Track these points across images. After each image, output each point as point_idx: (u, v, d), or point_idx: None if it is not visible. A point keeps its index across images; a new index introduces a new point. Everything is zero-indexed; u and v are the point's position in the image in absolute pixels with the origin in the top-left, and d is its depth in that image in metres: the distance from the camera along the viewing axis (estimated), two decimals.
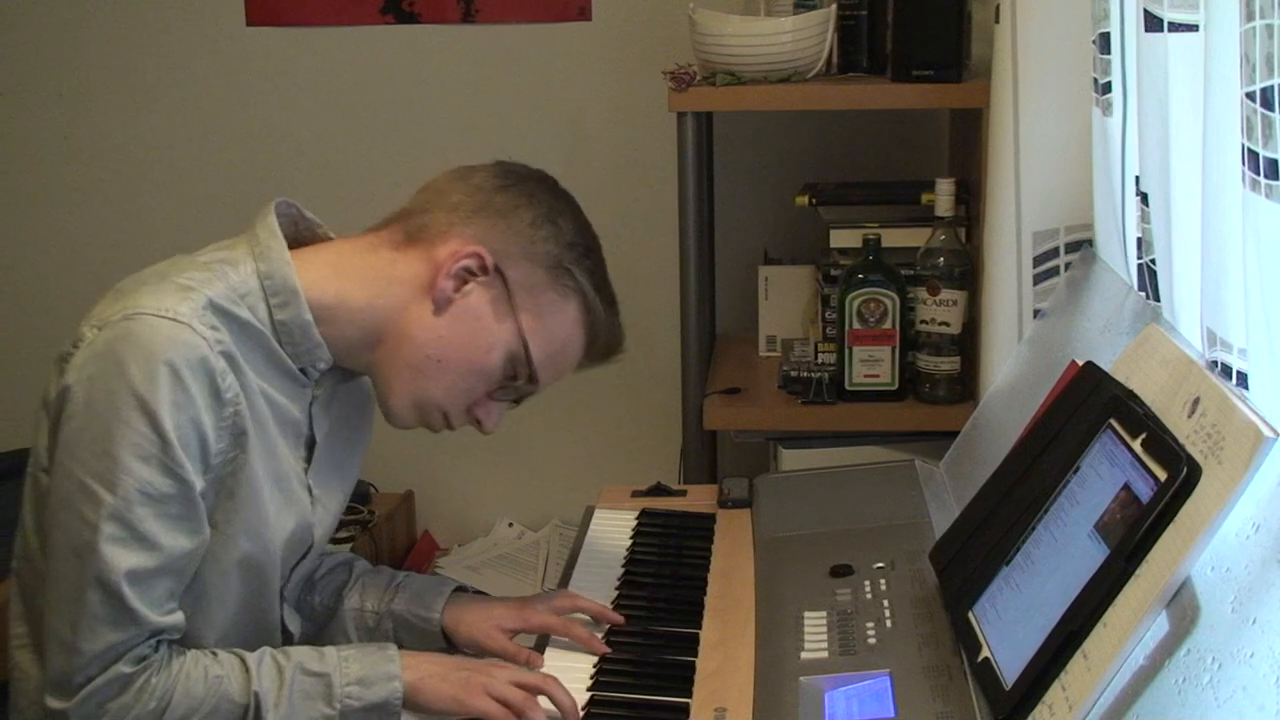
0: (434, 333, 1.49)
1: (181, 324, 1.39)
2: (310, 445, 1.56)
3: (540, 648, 1.62)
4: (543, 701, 1.48)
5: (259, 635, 1.55)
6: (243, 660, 1.45)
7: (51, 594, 1.40)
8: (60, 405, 1.40)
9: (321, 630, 1.70)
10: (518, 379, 1.53)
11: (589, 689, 1.52)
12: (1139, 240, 1.64)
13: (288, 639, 1.61)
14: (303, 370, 1.51)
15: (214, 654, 1.46)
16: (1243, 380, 1.30)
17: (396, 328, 1.50)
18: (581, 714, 1.48)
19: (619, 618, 1.65)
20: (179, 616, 1.42)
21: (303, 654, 1.48)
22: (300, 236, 1.56)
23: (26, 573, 1.48)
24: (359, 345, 1.52)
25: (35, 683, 1.45)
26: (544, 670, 1.55)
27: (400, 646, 1.65)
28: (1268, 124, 1.13)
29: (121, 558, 1.36)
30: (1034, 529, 1.35)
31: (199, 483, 1.40)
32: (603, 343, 1.57)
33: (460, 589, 1.71)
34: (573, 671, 1.55)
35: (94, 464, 1.37)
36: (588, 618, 1.65)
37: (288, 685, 1.44)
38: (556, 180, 1.59)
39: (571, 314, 1.53)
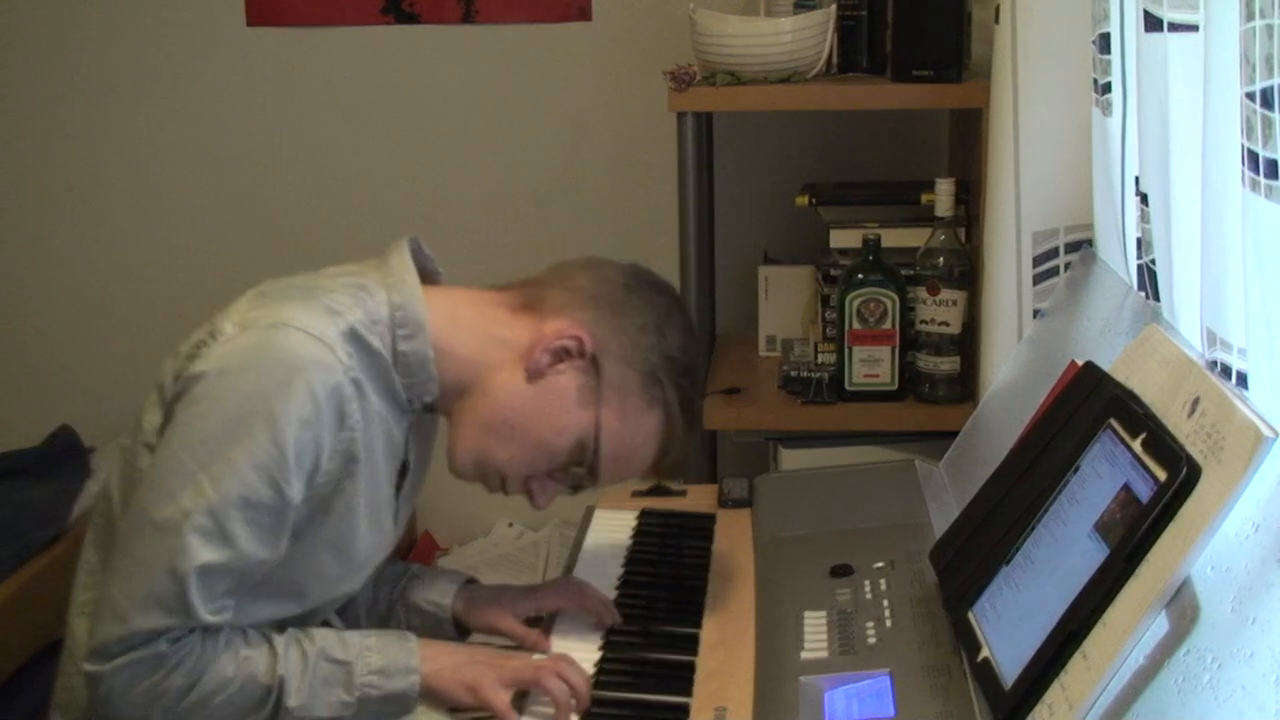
0: (517, 399, 1.52)
1: (326, 346, 1.42)
2: (402, 471, 1.58)
3: (546, 631, 1.64)
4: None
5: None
6: (270, 643, 1.47)
7: (121, 563, 1.42)
8: (186, 389, 1.42)
9: None
10: (581, 466, 1.54)
11: (589, 688, 1.52)
12: (1139, 240, 1.64)
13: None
14: (409, 400, 1.53)
15: (244, 633, 1.47)
16: (1242, 380, 1.30)
17: (485, 384, 1.52)
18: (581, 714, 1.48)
19: (617, 616, 1.65)
20: (227, 617, 1.44)
21: (326, 639, 1.50)
22: (421, 272, 1.58)
23: (107, 542, 1.50)
24: (449, 391, 1.54)
25: (85, 651, 1.47)
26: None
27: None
28: (1268, 124, 1.13)
29: (201, 551, 1.38)
30: (1034, 529, 1.35)
31: (299, 498, 1.42)
32: (670, 460, 1.59)
33: (471, 581, 1.73)
34: None
35: (206, 456, 1.39)
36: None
37: (310, 670, 1.47)
38: (680, 297, 1.60)
39: (651, 424, 1.54)
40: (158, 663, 1.41)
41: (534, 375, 1.51)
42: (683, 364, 1.55)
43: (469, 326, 1.54)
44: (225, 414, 1.39)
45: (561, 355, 1.51)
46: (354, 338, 1.46)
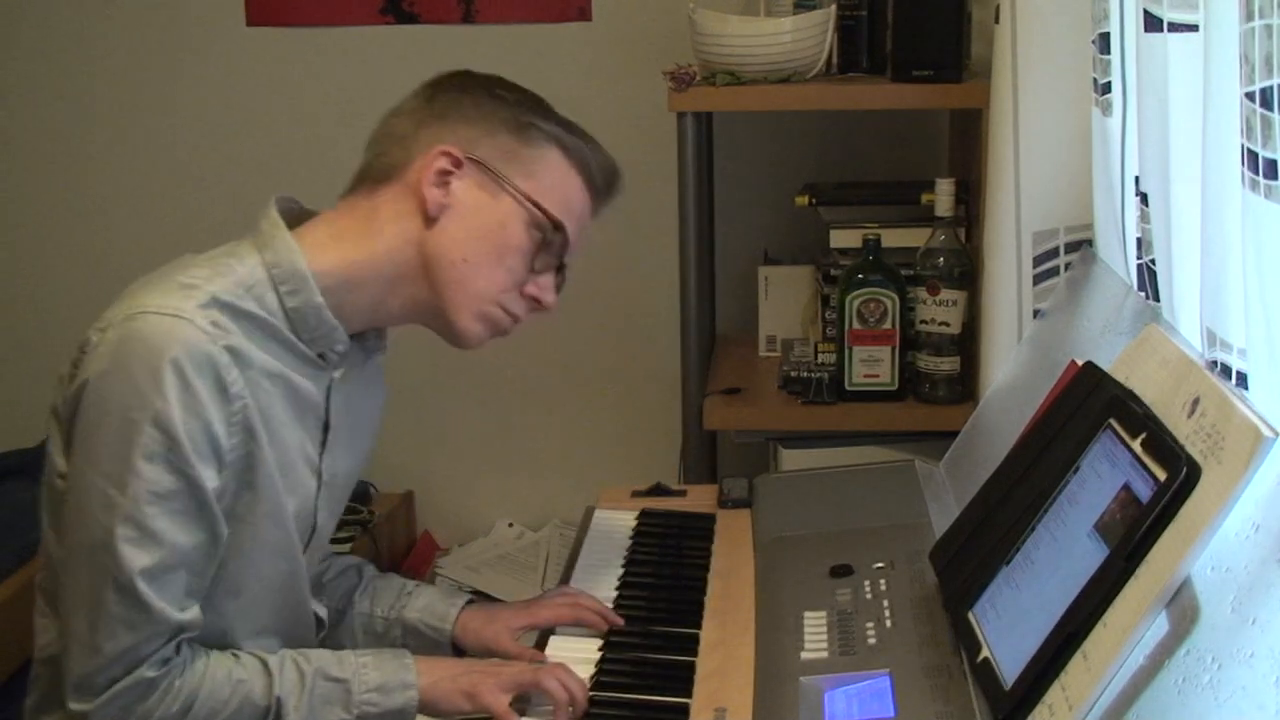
0: (448, 240, 1.51)
1: (183, 320, 1.39)
2: (326, 429, 1.56)
3: (543, 643, 1.63)
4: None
5: (295, 624, 1.57)
6: (264, 663, 1.46)
7: (70, 596, 1.41)
8: (72, 410, 1.41)
9: (330, 632, 1.71)
10: (547, 239, 1.54)
11: (589, 689, 1.52)
12: (1139, 240, 1.64)
13: (320, 626, 1.63)
14: (321, 355, 1.52)
15: (236, 655, 1.47)
16: (1242, 380, 1.30)
17: (413, 260, 1.51)
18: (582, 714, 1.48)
19: (618, 619, 1.65)
20: (196, 612, 1.43)
21: (323, 658, 1.49)
22: (296, 218, 1.56)
23: (50, 582, 1.48)
24: (390, 295, 1.53)
25: (67, 691, 1.43)
26: (546, 653, 1.58)
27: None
28: (1267, 124, 1.13)
29: (136, 557, 1.37)
30: (1034, 529, 1.35)
31: (214, 480, 1.41)
32: (599, 171, 1.59)
33: (470, 601, 1.72)
34: (574, 670, 1.56)
35: (106, 466, 1.37)
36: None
37: (308, 690, 1.46)
38: (472, 69, 1.61)
39: (555, 159, 1.55)
40: (146, 690, 1.39)
41: (440, 212, 1.50)
42: (530, 100, 1.58)
43: (353, 235, 1.52)
44: (111, 421, 1.38)
45: (445, 178, 1.50)
46: (221, 305, 1.43)
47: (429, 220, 1.51)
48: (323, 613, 1.64)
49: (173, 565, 1.39)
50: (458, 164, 1.51)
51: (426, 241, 1.51)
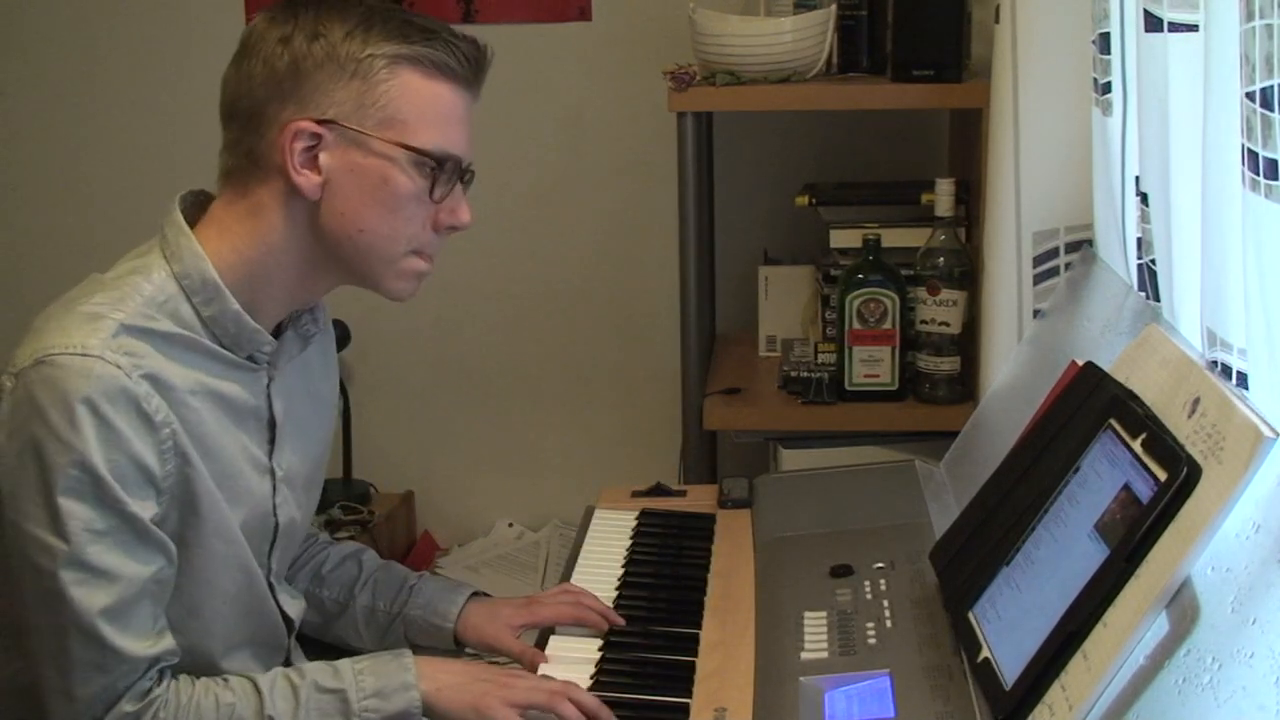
0: (338, 216, 1.44)
1: (92, 358, 1.34)
2: (273, 427, 1.53)
3: (543, 642, 1.63)
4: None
5: (260, 629, 1.55)
6: (255, 685, 1.43)
7: (35, 646, 1.37)
8: (3, 465, 1.36)
9: (331, 624, 1.70)
10: (437, 169, 1.46)
11: (589, 689, 1.52)
12: (1139, 240, 1.64)
13: (289, 626, 1.61)
14: (250, 357, 1.48)
15: (225, 680, 1.44)
16: (1243, 380, 1.29)
17: (313, 244, 1.46)
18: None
19: (619, 619, 1.65)
20: (169, 640, 1.40)
21: (316, 671, 1.46)
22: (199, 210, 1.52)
23: (2, 616, 1.43)
24: (303, 280, 1.48)
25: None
26: (547, 672, 1.55)
27: (412, 647, 1.66)
28: (1267, 124, 1.13)
29: (92, 598, 1.34)
30: (1034, 529, 1.35)
31: (151, 510, 1.37)
32: (459, 61, 1.46)
33: (475, 594, 1.71)
34: (573, 672, 1.55)
35: (37, 514, 1.33)
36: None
37: (304, 706, 1.42)
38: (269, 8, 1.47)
39: (407, 80, 1.42)
40: None
41: (318, 191, 1.42)
42: (353, 23, 1.42)
43: (252, 236, 1.45)
44: (30, 468, 1.34)
45: (310, 154, 1.42)
46: (128, 331, 1.38)
47: (312, 202, 1.44)
48: (294, 611, 1.61)
49: (133, 598, 1.36)
50: (315, 136, 1.41)
51: (317, 222, 1.44)
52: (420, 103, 1.44)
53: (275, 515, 1.54)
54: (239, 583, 1.50)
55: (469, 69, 1.47)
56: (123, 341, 1.37)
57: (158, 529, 1.38)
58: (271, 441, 1.53)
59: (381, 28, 1.43)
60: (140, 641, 1.37)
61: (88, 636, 1.34)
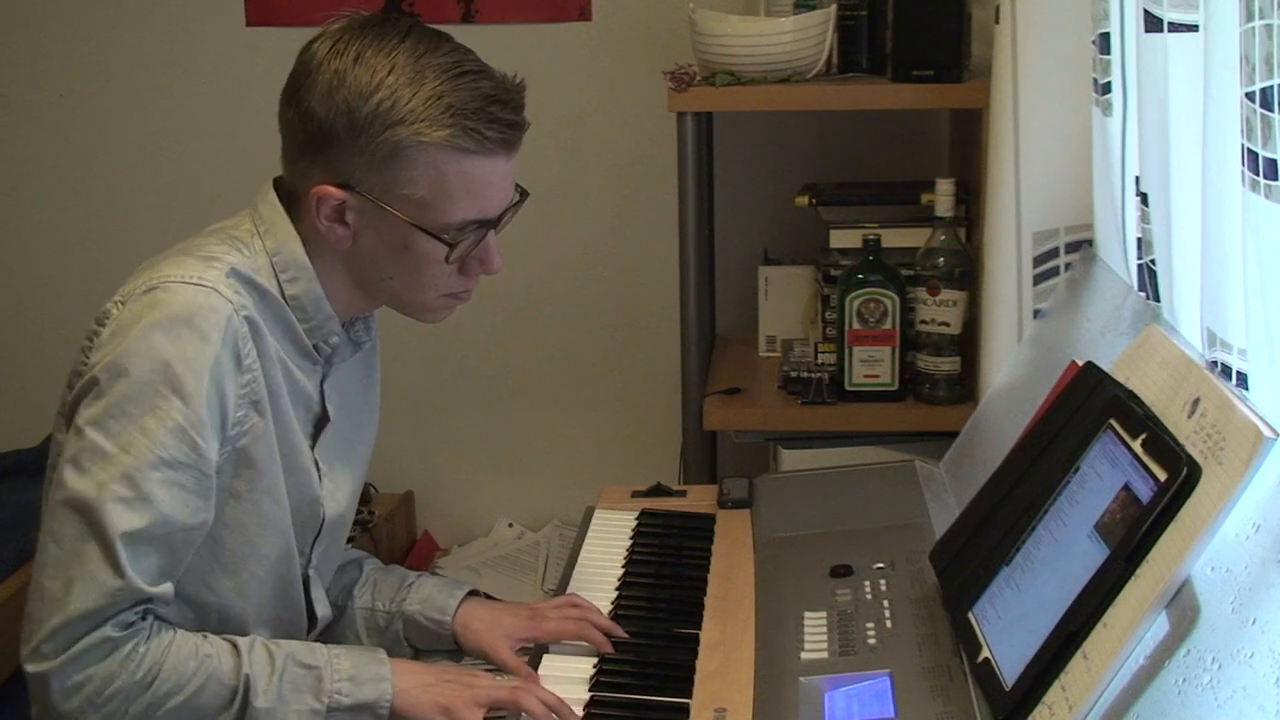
0: (368, 263, 1.50)
1: (207, 288, 1.41)
2: (318, 423, 1.56)
3: (539, 654, 1.62)
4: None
5: (287, 616, 1.57)
6: (233, 644, 1.45)
7: (47, 550, 1.39)
8: (89, 385, 1.40)
9: (330, 626, 1.71)
10: (463, 231, 1.47)
11: (589, 689, 1.52)
12: (1139, 240, 1.64)
13: (312, 623, 1.62)
14: (315, 347, 1.53)
15: (204, 636, 1.45)
16: (1243, 380, 1.30)
17: (349, 272, 1.52)
18: (581, 714, 1.48)
19: (623, 633, 1.63)
20: (168, 588, 1.41)
21: (295, 646, 1.49)
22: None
23: None
24: (356, 291, 1.54)
25: (25, 653, 1.41)
26: (540, 673, 1.56)
27: (410, 647, 1.66)
28: (1267, 124, 1.13)
29: (123, 518, 1.36)
30: (1034, 529, 1.35)
31: (215, 455, 1.41)
32: (496, 135, 1.44)
33: (472, 593, 1.72)
34: (573, 672, 1.56)
35: (113, 425, 1.37)
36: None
37: (278, 673, 1.44)
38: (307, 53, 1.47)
39: (434, 161, 1.43)
40: (108, 651, 1.37)
41: (346, 242, 1.48)
42: (382, 98, 1.40)
43: (314, 246, 1.50)
44: (124, 384, 1.37)
45: (338, 213, 1.46)
46: (240, 277, 1.44)
47: (340, 250, 1.50)
48: (323, 611, 1.63)
49: (153, 538, 1.38)
50: (341, 202, 1.46)
51: (351, 264, 1.51)
52: (446, 184, 1.44)
53: (323, 505, 1.57)
54: (279, 549, 1.52)
55: (508, 135, 1.46)
56: (234, 283, 1.43)
57: (214, 476, 1.41)
58: (314, 436, 1.56)
59: (408, 104, 1.40)
60: (142, 577, 1.38)
61: (103, 551, 1.36)
